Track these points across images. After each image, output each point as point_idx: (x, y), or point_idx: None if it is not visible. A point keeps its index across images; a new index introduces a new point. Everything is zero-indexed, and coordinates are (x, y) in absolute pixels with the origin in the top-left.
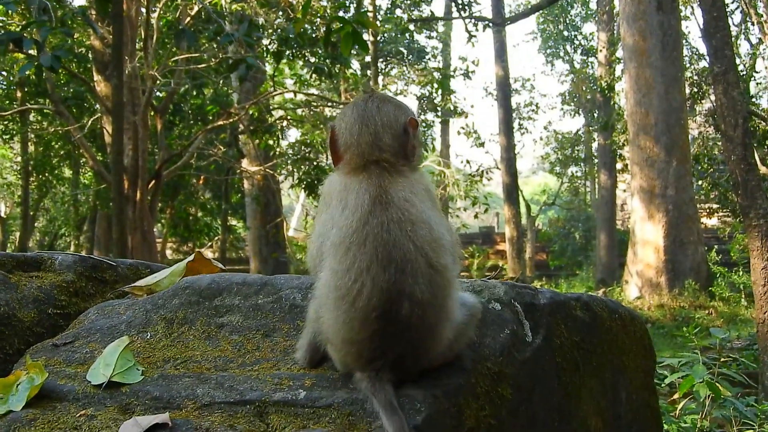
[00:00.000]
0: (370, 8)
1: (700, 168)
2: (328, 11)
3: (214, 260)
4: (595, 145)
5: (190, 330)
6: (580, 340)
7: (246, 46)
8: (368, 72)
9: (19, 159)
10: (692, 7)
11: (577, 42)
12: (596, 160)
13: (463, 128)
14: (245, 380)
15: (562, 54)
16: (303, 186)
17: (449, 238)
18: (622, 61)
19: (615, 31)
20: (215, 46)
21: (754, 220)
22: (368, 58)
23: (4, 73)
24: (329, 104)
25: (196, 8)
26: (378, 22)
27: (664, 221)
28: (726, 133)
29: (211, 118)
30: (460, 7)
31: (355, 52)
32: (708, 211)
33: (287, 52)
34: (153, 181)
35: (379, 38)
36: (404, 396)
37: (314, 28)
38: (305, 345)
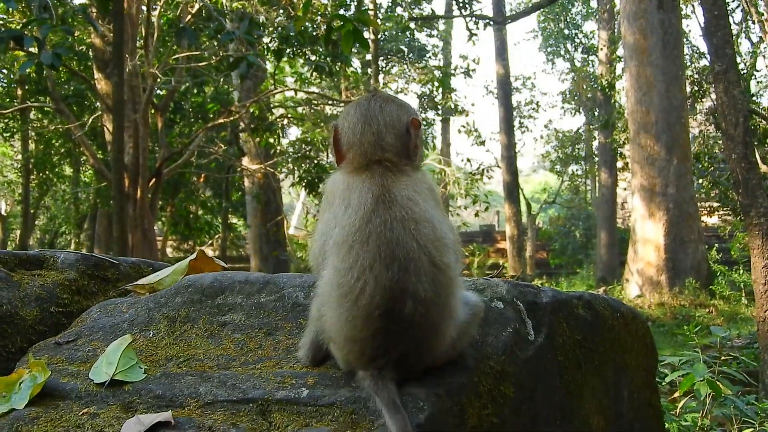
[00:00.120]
0: (371, 6)
1: (700, 166)
2: (329, 9)
3: (216, 258)
4: (595, 143)
5: (193, 328)
6: (582, 338)
7: (247, 44)
8: (369, 70)
9: (19, 157)
10: (693, 6)
11: (577, 40)
12: (597, 159)
13: (463, 126)
14: (248, 378)
15: (562, 52)
16: (303, 184)
17: (452, 236)
18: (622, 59)
19: (616, 30)
20: (216, 44)
21: (754, 219)
22: (369, 57)
23: (4, 71)
24: (330, 102)
25: (196, 6)
26: (378, 20)
27: (664, 220)
28: (727, 132)
29: (211, 116)
30: (461, 5)
31: (355, 51)
32: (708, 209)
33: (288, 50)
34: (153, 179)
35: (379, 36)
36: (407, 394)
37: (315, 26)
38: (308, 343)
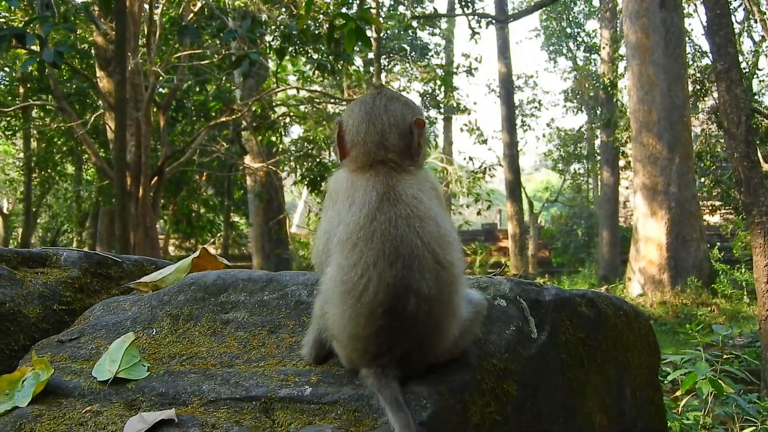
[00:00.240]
0: (373, 5)
1: (702, 165)
2: (331, 8)
3: (219, 256)
4: (597, 142)
5: (196, 326)
6: (585, 336)
7: (249, 43)
8: (371, 68)
9: (21, 155)
10: (695, 5)
11: (579, 39)
12: (599, 157)
13: (465, 125)
14: (251, 376)
15: (564, 51)
16: (305, 183)
17: (456, 235)
18: (624, 58)
19: (618, 29)
20: (218, 42)
21: (756, 218)
22: (371, 55)
23: (6, 68)
24: (332, 101)
25: (199, 4)
26: (381, 19)
27: (666, 218)
28: (729, 131)
29: (213, 114)
30: (463, 4)
31: (358, 49)
32: (710, 208)
33: (290, 49)
34: (156, 178)
35: (381, 35)
36: (410, 392)
37: (317, 24)
38: (311, 341)
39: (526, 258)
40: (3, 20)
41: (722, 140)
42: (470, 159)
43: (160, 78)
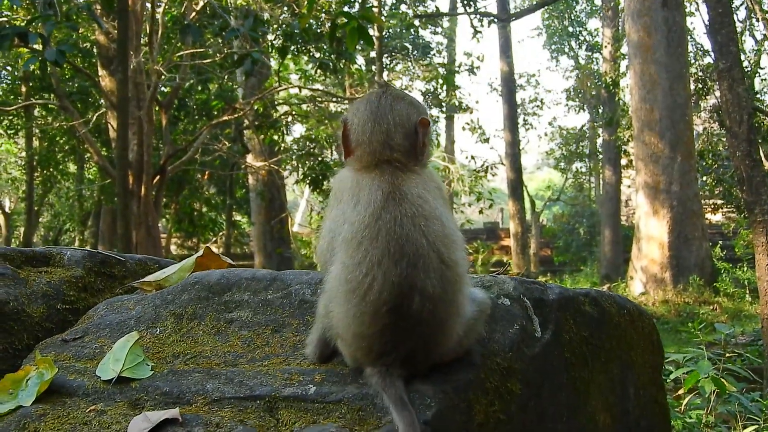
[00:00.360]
0: (375, 3)
1: (704, 164)
2: (333, 6)
3: (223, 255)
4: (599, 140)
5: (200, 325)
6: (589, 335)
7: (251, 41)
8: (373, 67)
9: (23, 154)
10: (697, 3)
11: (581, 38)
12: (601, 156)
13: (467, 124)
14: (255, 375)
15: (566, 50)
16: (308, 181)
17: (460, 234)
18: (626, 57)
19: (620, 27)
20: (220, 41)
21: (758, 216)
22: (373, 54)
23: (8, 67)
24: (334, 99)
25: (201, 3)
26: (383, 18)
27: (668, 217)
28: (731, 129)
29: (216, 113)
30: (465, 2)
31: (360, 48)
32: (712, 206)
33: (292, 48)
34: (158, 176)
35: (384, 34)
36: (414, 391)
37: (319, 23)
38: (315, 340)
39: (528, 257)
40: (5, 19)
41: (724, 139)
42: (472, 158)
43: (162, 77)
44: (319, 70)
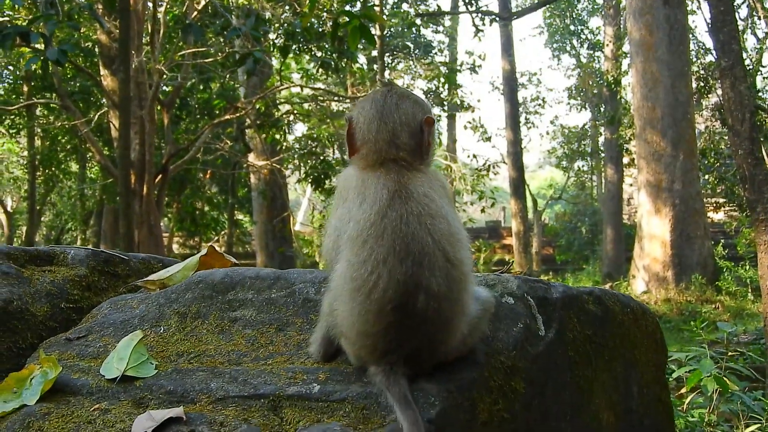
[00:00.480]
0: (377, 2)
1: (706, 162)
2: (335, 5)
3: (226, 254)
4: (601, 139)
5: (204, 324)
6: (593, 334)
7: (253, 40)
8: (375, 66)
9: (25, 153)
10: (699, 2)
11: (583, 36)
12: (603, 155)
13: (469, 123)
14: (259, 374)
15: (568, 48)
16: (310, 180)
17: (465, 233)
18: (628, 55)
19: (621, 26)
20: (222, 40)
21: (761, 215)
22: (375, 53)
23: (10, 67)
24: (336, 98)
25: (203, 2)
26: (384, 16)
27: (670, 215)
28: (733, 128)
29: (217, 112)
30: (467, 1)
31: (361, 47)
32: (715, 205)
33: (294, 47)
34: (160, 176)
35: (385, 32)
36: (418, 390)
37: (321, 22)
38: (319, 339)
39: (530, 255)
40: (7, 18)
41: (726, 137)
42: (474, 156)
43: (164, 76)
44: (320, 69)
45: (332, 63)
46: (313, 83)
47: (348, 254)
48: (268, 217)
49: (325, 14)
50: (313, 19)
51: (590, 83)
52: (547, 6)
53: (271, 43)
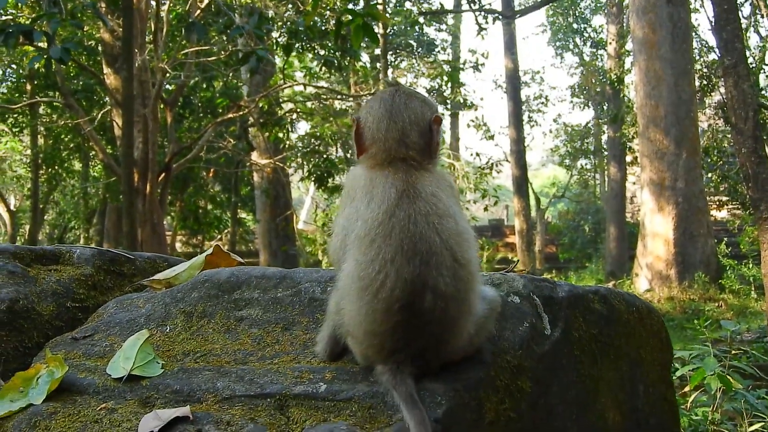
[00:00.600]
0: (380, 1)
1: (709, 160)
2: (338, 4)
3: (232, 254)
4: (604, 137)
5: (210, 323)
6: (598, 333)
7: (256, 39)
8: (378, 65)
9: (28, 152)
10: (702, 0)
11: (586, 34)
12: (606, 153)
13: (472, 121)
14: (265, 373)
15: (571, 46)
16: (313, 179)
17: (472, 233)
18: (631, 53)
19: (625, 24)
20: (225, 38)
21: (764, 213)
22: (378, 51)
23: (14, 65)
24: (339, 97)
25: (206, 1)
26: (388, 15)
27: (674, 214)
28: (736, 126)
29: (220, 110)
30: None
31: (364, 45)
32: (718, 203)
33: (297, 45)
34: (163, 174)
35: (388, 31)
36: (425, 389)
37: (324, 20)
38: (325, 338)
39: (533, 254)
40: (10, 17)
41: (729, 135)
42: (477, 155)
43: (167, 75)
44: (323, 68)
45: (335, 61)
46: (316, 82)
47: (356, 253)
48: (271, 216)
49: (328, 12)
50: (316, 18)
51: (593, 81)
52: (550, 4)
53: (275, 41)
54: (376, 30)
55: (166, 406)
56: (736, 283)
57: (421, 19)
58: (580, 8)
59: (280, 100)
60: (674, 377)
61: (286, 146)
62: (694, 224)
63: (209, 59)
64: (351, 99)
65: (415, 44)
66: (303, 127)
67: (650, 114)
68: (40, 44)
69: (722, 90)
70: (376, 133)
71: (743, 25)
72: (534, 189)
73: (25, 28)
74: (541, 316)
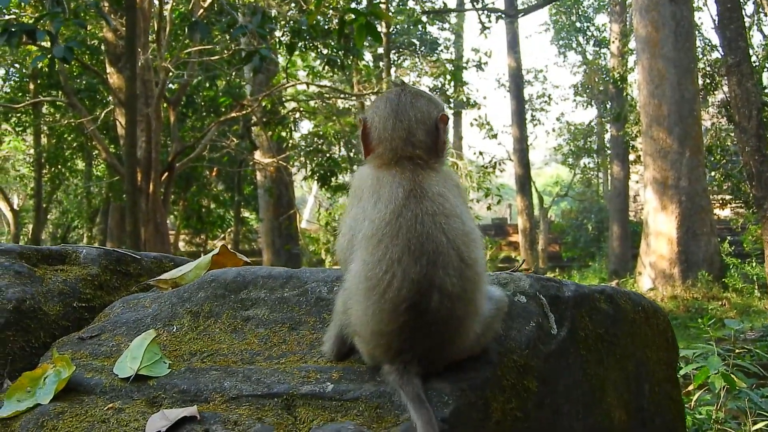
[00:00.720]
0: None
1: (713, 159)
2: (341, 3)
3: (239, 253)
4: (607, 136)
5: (216, 323)
6: (604, 332)
7: (259, 38)
8: (381, 63)
9: (32, 151)
10: None
11: (589, 33)
12: (609, 152)
13: (475, 120)
14: (272, 373)
15: (574, 45)
16: (316, 178)
17: (479, 232)
18: (634, 52)
19: (628, 22)
20: (228, 37)
21: None
22: (381, 50)
23: (17, 65)
24: (342, 96)
25: (209, 0)
26: (391, 14)
27: (677, 212)
28: (740, 125)
29: (223, 110)
30: None
31: (367, 44)
32: (721, 202)
33: (300, 44)
34: (166, 173)
35: (391, 30)
36: (432, 389)
37: (327, 19)
38: (332, 337)
39: (536, 253)
40: (13, 16)
41: (732, 134)
42: (480, 154)
43: (170, 74)
44: (326, 67)
45: (338, 60)
46: (319, 80)
47: (363, 253)
48: (275, 215)
49: (331, 11)
50: (319, 17)
51: (596, 80)
52: (553, 3)
53: (278, 40)
54: (379, 29)
55: (174, 405)
56: (740, 282)
57: (424, 18)
58: (583, 7)
59: (283, 99)
60: (678, 376)
61: (289, 145)
62: (698, 223)
63: (212, 58)
64: (354, 98)
65: (418, 43)
66: (306, 126)
67: (653, 112)
68: (43, 43)
69: (725, 88)
70: (383, 132)
71: (746, 24)
72: (537, 188)
73: (28, 27)
74: (548, 315)
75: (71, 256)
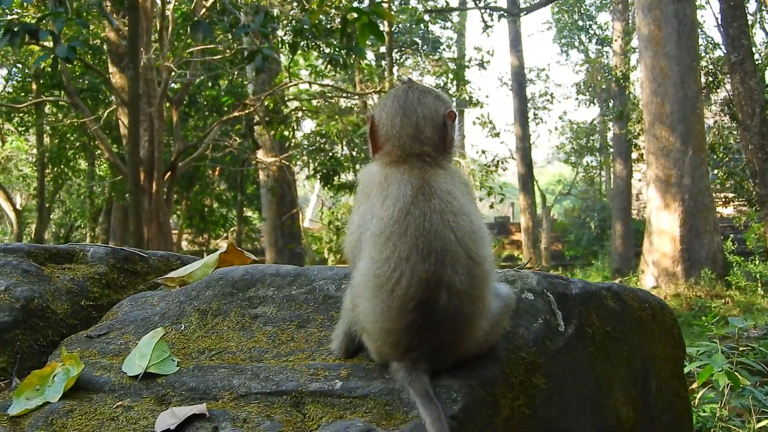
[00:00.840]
0: None
1: (715, 157)
2: (344, 2)
3: (246, 252)
4: (610, 134)
5: (224, 321)
6: (612, 329)
7: (261, 37)
8: (383, 63)
9: (34, 151)
10: None
11: (591, 32)
12: (611, 150)
13: (478, 118)
14: (281, 371)
15: (576, 44)
16: (318, 177)
17: (487, 230)
18: (637, 50)
19: (630, 21)
20: (231, 37)
21: None
22: (383, 49)
23: (19, 65)
24: (344, 95)
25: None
26: (393, 13)
27: (680, 210)
28: (743, 122)
29: (226, 109)
30: None
31: (370, 43)
32: (724, 200)
33: (302, 43)
34: (169, 173)
35: (393, 28)
36: (440, 386)
37: (329, 18)
38: (341, 335)
39: (539, 251)
40: (16, 16)
41: (735, 132)
42: (483, 152)
43: (173, 73)
44: (329, 66)
45: (341, 59)
46: (321, 80)
47: (371, 251)
48: (277, 214)
49: (333, 11)
50: (321, 16)
51: (599, 79)
52: (556, 2)
53: (280, 39)
54: (382, 28)
55: (182, 403)
56: (743, 280)
57: (427, 17)
58: (586, 5)
59: (286, 98)
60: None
61: (292, 144)
62: (701, 221)
63: (215, 58)
64: (356, 97)
65: (420, 42)
66: (308, 125)
67: (656, 111)
68: (46, 43)
69: (728, 86)
70: (390, 129)
71: (749, 22)
72: (539, 186)
73: (31, 27)
74: (555, 312)
75: (79, 255)
